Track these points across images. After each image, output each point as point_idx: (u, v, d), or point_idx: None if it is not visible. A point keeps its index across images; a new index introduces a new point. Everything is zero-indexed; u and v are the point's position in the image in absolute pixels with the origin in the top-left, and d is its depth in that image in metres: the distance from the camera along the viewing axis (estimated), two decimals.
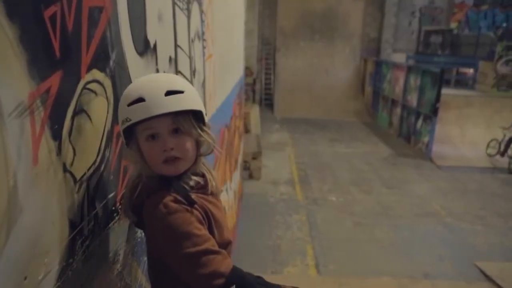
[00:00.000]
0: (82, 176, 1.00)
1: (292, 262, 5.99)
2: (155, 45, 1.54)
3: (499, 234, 7.29)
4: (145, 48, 1.44)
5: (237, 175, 6.01)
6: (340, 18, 18.81)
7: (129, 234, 1.34)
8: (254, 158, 9.01)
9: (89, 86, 1.01)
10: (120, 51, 1.20)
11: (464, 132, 13.15)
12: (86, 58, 0.99)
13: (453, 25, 19.79)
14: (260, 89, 19.01)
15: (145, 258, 1.54)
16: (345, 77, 19.25)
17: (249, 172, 9.06)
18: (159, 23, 1.61)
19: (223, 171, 4.14)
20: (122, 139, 1.15)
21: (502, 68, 14.83)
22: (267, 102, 18.92)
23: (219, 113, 3.66)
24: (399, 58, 18.39)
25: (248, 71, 15.62)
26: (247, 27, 10.79)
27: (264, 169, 9.66)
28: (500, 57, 14.82)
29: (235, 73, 5.39)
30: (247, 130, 10.38)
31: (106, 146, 1.13)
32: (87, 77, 1.00)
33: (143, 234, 1.48)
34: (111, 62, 1.12)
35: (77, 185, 0.97)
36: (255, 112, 13.39)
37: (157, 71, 1.60)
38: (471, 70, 17.79)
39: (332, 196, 8.62)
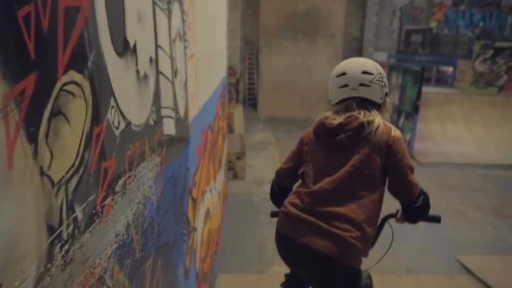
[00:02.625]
0: (60, 180, 0.98)
1: (278, 261, 5.97)
2: (135, 46, 1.52)
3: (479, 228, 7.46)
4: (124, 48, 1.42)
5: (221, 175, 5.99)
6: (322, 17, 18.94)
7: (111, 237, 1.33)
8: (238, 158, 9.01)
9: (66, 87, 0.99)
10: (99, 52, 1.18)
11: (444, 129, 13.41)
12: (62, 59, 0.97)
13: (433, 24, 20.12)
14: (243, 89, 19.01)
15: (128, 261, 1.52)
16: (328, 76, 19.08)
17: (234, 172, 9.05)
18: (139, 23, 1.59)
19: (207, 172, 4.12)
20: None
21: (480, 66, 15.16)
22: (251, 102, 18.93)
23: (202, 114, 3.64)
24: (381, 57, 18.60)
25: (231, 71, 15.60)
26: (230, 27, 10.76)
27: (249, 169, 9.66)
28: (478, 55, 15.14)
29: (218, 73, 5.37)
30: (231, 130, 10.36)
31: (85, 148, 1.11)
32: (64, 78, 0.98)
33: (125, 236, 1.47)
34: (89, 63, 1.11)
35: (55, 188, 0.95)
36: (238, 112, 13.38)
37: (137, 72, 1.58)
38: (450, 69, 18.12)
39: None
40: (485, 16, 20.41)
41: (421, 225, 7.54)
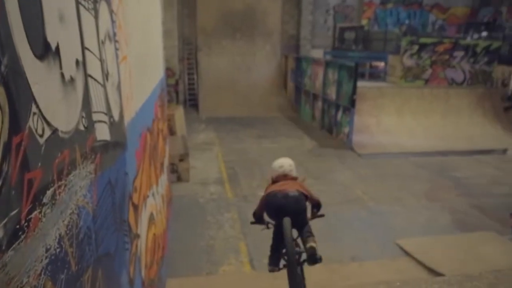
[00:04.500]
0: None
1: (227, 261, 6.00)
2: (57, 48, 1.43)
3: (415, 212, 7.96)
4: (45, 51, 1.33)
5: (164, 178, 5.86)
6: (259, 16, 19.16)
7: (40, 252, 1.24)
8: (181, 160, 8.87)
9: None
10: (14, 54, 1.10)
11: (379, 121, 14.11)
12: None
13: (364, 22, 21.12)
14: (183, 89, 18.73)
15: (62, 276, 1.44)
16: (268, 74, 19.65)
17: (177, 175, 8.89)
18: (61, 23, 1.50)
19: (148, 176, 4.01)
20: None
21: (407, 61, 16.15)
22: (192, 103, 18.70)
23: (140, 117, 3.53)
24: (317, 54, 19.21)
25: (169, 72, 15.29)
26: (166, 27, 10.53)
27: (192, 170, 9.55)
28: (405, 51, 16.13)
29: (155, 75, 5.24)
30: (172, 132, 10.16)
31: (3, 159, 1.02)
32: None
33: (57, 250, 1.38)
34: (2, 67, 1.02)
35: None
36: (179, 113, 13.15)
37: (62, 75, 1.49)
38: (382, 64, 19.13)
39: (261, 191, 8.68)
40: (410, 14, 21.79)
41: (363, 214, 7.87)
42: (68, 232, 1.51)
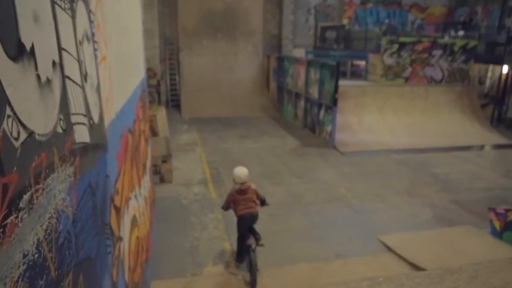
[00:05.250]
0: None
1: (212, 262, 5.97)
2: (32, 48, 1.40)
3: (396, 208, 8.08)
4: (19, 52, 1.30)
5: (146, 180, 5.80)
6: (240, 16, 19.14)
7: (17, 258, 1.21)
8: (164, 161, 8.79)
9: None
10: None
11: (361, 119, 14.29)
12: None
13: (345, 21, 21.32)
14: (165, 90, 18.58)
15: (41, 282, 1.41)
16: (250, 74, 19.66)
17: (160, 176, 8.81)
18: (36, 24, 1.47)
19: (130, 178, 3.96)
20: None
21: (388, 60, 16.38)
22: (174, 103, 18.57)
23: (120, 118, 3.48)
24: (299, 53, 19.31)
25: (151, 72, 15.16)
26: (147, 27, 10.41)
27: (176, 171, 9.48)
28: (385, 50, 16.35)
29: (136, 75, 5.18)
30: (154, 133, 10.06)
31: None
32: None
33: (35, 255, 1.36)
34: None
35: None
36: (161, 114, 13.02)
37: (38, 77, 1.46)
38: (363, 62, 19.35)
39: None
40: (390, 14, 22.11)
41: (346, 211, 7.95)
42: (47, 237, 1.48)
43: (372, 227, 7.19)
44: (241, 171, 5.69)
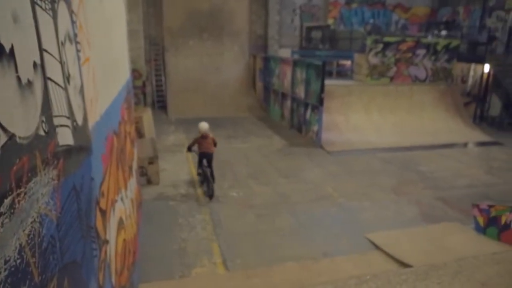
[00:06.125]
0: None
1: (200, 263, 5.95)
2: (11, 50, 1.37)
3: (383, 206, 8.16)
4: None
5: (133, 182, 5.74)
6: (226, 16, 19.10)
7: None
8: (150, 163, 8.72)
9: None
10: None
11: (347, 118, 14.40)
12: None
13: (330, 21, 21.46)
14: (151, 91, 18.44)
15: None
16: (236, 74, 19.64)
17: (147, 178, 8.75)
18: (15, 24, 1.44)
19: (116, 180, 3.92)
20: None
21: (373, 59, 16.55)
22: (160, 104, 18.43)
23: (105, 120, 3.45)
24: (285, 53, 19.37)
25: (136, 73, 15.02)
26: (131, 27, 10.32)
27: (163, 173, 9.42)
28: (370, 49, 16.52)
29: (120, 76, 5.13)
30: (140, 135, 9.98)
31: None
32: None
33: (17, 261, 1.33)
34: None
35: None
36: (147, 115, 12.91)
37: (18, 78, 1.43)
38: (348, 62, 19.51)
39: (233, 191, 8.76)
40: (374, 14, 22.33)
41: (334, 210, 8.00)
42: (29, 241, 1.46)
43: (359, 226, 7.25)
44: (204, 126, 8.49)
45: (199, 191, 8.75)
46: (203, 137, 8.41)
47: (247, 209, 7.87)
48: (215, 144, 8.61)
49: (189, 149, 8.73)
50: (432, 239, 6.69)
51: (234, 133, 14.25)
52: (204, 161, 8.53)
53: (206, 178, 8.36)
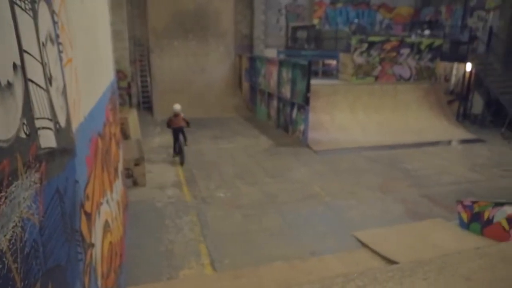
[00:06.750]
0: None
1: (188, 264, 5.92)
2: None
3: (369, 205, 8.24)
4: None
5: (118, 184, 5.69)
6: (211, 16, 19.04)
7: None
8: (136, 165, 8.64)
9: None
10: None
11: (333, 117, 14.48)
12: None
13: (315, 21, 21.57)
14: (136, 92, 18.26)
15: None
16: (222, 74, 19.60)
17: (133, 179, 8.66)
18: None
19: (101, 182, 3.87)
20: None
21: (358, 59, 16.70)
22: (146, 105, 18.28)
23: (89, 121, 3.40)
24: (271, 53, 19.40)
25: (121, 74, 14.85)
26: (115, 28, 10.21)
27: (149, 175, 9.34)
28: (355, 49, 16.66)
29: (104, 77, 5.07)
30: (126, 136, 9.88)
31: None
32: None
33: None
34: None
35: None
36: (133, 116, 12.83)
37: None
38: (334, 62, 19.64)
39: (220, 192, 8.74)
40: (359, 14, 22.53)
41: (321, 209, 8.03)
42: (11, 247, 1.43)
43: (346, 224, 7.31)
44: (176, 106, 10.53)
45: (186, 192, 8.70)
46: (175, 115, 10.44)
47: (234, 209, 7.86)
48: (187, 123, 10.51)
49: (168, 125, 10.71)
50: (418, 236, 6.78)
51: (220, 134, 14.22)
52: (181, 137, 10.41)
53: (180, 150, 10.42)
